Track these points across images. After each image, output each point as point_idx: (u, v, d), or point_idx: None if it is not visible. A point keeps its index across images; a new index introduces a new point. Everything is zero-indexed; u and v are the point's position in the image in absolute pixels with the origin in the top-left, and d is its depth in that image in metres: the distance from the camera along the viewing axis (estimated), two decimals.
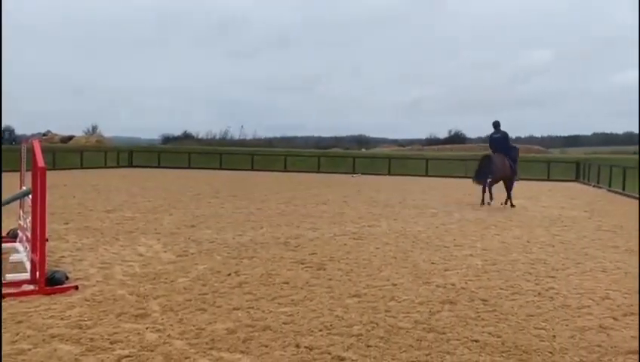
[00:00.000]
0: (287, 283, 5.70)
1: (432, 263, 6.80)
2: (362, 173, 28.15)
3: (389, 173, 28.29)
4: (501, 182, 14.10)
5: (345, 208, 12.67)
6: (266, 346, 3.91)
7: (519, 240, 8.65)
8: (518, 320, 4.63)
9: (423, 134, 74.88)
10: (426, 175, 27.75)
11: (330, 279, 5.90)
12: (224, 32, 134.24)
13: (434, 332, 4.28)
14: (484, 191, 14.02)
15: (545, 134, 77.30)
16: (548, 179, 25.37)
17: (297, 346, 3.92)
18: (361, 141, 69.74)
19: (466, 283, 5.86)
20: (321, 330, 4.26)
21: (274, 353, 3.79)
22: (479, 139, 62.61)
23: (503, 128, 14.50)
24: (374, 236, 8.77)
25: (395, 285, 5.70)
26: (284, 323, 4.40)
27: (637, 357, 3.88)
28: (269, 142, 62.74)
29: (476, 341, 4.12)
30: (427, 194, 16.89)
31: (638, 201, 11.91)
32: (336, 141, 69.77)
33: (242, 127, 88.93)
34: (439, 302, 5.14)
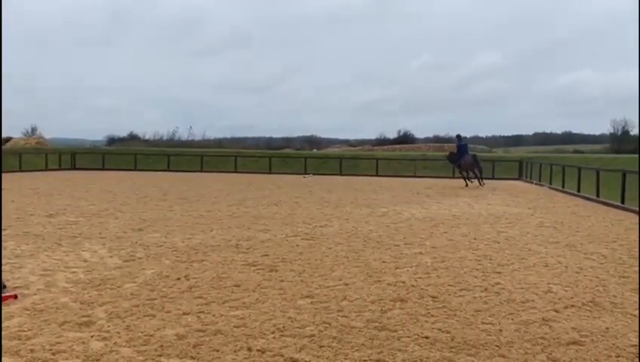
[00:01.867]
0: (238, 286, 5.63)
1: (383, 262, 6.89)
2: (314, 174, 28.23)
3: (341, 173, 28.51)
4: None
5: (297, 209, 12.66)
6: (217, 351, 3.84)
7: (466, 238, 8.89)
8: (466, 316, 4.75)
9: (373, 134, 75.90)
10: (377, 175, 28.15)
11: (282, 281, 5.87)
12: (177, 32, 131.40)
13: (386, 331, 4.32)
14: (464, 177, 21.74)
15: (489, 134, 79.81)
16: (493, 178, 26.25)
17: (249, 349, 3.87)
18: (312, 141, 69.85)
19: (416, 280, 5.96)
20: (273, 332, 4.23)
21: (225, 357, 3.73)
22: (427, 139, 64.11)
23: (462, 135, 22.94)
24: (326, 236, 8.80)
25: (347, 284, 5.73)
26: (235, 327, 4.33)
27: (577, 347, 4.05)
28: (219, 142, 61.81)
29: (427, 337, 4.19)
30: (378, 194, 17.11)
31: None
32: (287, 142, 69.59)
33: (191, 127, 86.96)
34: (390, 299, 5.20)
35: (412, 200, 15.10)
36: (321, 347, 3.95)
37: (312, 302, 5.07)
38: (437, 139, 61.47)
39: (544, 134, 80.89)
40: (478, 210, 12.99)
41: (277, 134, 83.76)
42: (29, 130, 48.58)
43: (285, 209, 12.59)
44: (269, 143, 67.91)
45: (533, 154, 42.46)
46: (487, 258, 7.27)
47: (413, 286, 5.73)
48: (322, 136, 77.10)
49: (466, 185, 21.04)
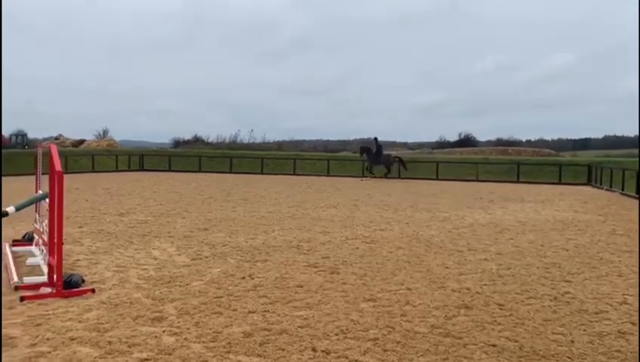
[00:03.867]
0: (301, 286, 5.71)
1: (446, 267, 6.78)
2: (372, 177, 28.09)
3: (400, 177, 28.22)
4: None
5: (356, 212, 12.66)
6: (283, 350, 3.91)
7: (533, 245, 8.59)
8: (535, 325, 4.60)
9: (432, 137, 74.60)
10: (437, 178, 27.65)
11: (344, 283, 5.90)
12: (246, 36, 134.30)
13: (451, 337, 4.26)
14: (370, 170, 26.65)
15: (555, 137, 76.45)
16: (560, 183, 25.18)
17: (314, 350, 3.92)
18: (370, 144, 69.66)
19: (481, 287, 5.83)
20: (337, 334, 4.26)
21: (291, 357, 3.80)
22: (489, 143, 62.31)
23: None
24: (387, 240, 8.76)
25: (410, 289, 5.68)
26: (300, 327, 4.40)
27: None
28: (279, 145, 62.77)
29: (494, 345, 4.09)
30: (438, 198, 16.83)
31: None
32: (344, 144, 69.66)
33: (252, 130, 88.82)
34: (455, 306, 5.12)
35: (474, 205, 14.75)
36: (385, 351, 3.94)
37: (374, 306, 5.07)
38: (500, 142, 59.65)
39: (615, 137, 76.70)
40: (545, 216, 12.52)
41: (334, 137, 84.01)
42: (101, 133, 51.17)
43: (344, 211, 12.63)
44: (326, 146, 68.22)
45: (603, 158, 40.36)
46: (556, 266, 7.00)
47: (478, 293, 5.61)
48: (379, 138, 76.68)
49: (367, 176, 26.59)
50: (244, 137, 64.74)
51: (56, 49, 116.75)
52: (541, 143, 67.03)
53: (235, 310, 4.83)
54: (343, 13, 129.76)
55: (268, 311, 4.83)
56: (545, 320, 4.75)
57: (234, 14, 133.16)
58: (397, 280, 6.06)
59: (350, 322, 4.56)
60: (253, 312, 4.78)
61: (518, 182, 25.73)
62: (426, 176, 28.20)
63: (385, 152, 27.69)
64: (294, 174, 29.92)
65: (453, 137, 64.57)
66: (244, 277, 6.05)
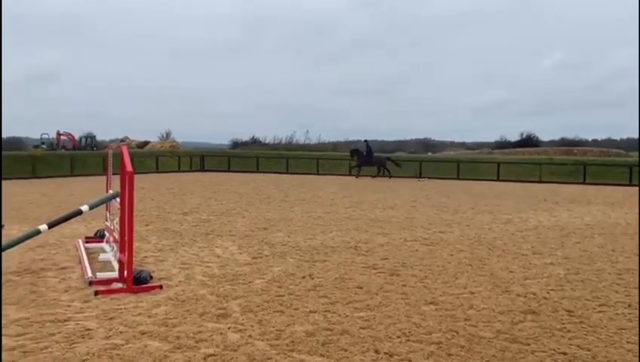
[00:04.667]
0: (360, 287, 5.70)
1: (511, 271, 6.57)
2: (429, 178, 27.67)
3: (458, 178, 27.65)
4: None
5: (414, 213, 12.51)
6: (345, 350, 3.92)
7: (603, 249, 8.19)
8: (608, 334, 4.39)
9: (492, 137, 72.53)
10: (497, 179, 26.88)
11: (404, 285, 5.84)
12: (305, 37, 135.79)
13: (517, 343, 4.13)
14: (358, 171, 27.86)
15: (624, 136, 72.39)
16: (630, 184, 23.87)
17: (377, 352, 3.90)
18: (426, 144, 68.50)
19: (548, 292, 5.62)
20: (399, 337, 4.23)
21: (353, 358, 3.80)
22: (553, 142, 59.94)
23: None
24: (447, 242, 8.60)
25: (473, 293, 5.55)
26: (361, 328, 4.39)
27: None
28: (334, 146, 62.92)
29: (564, 353, 3.93)
30: (500, 200, 16.35)
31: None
32: (400, 145, 68.94)
33: (307, 131, 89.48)
34: (521, 311, 4.95)
35: (538, 207, 14.23)
36: (449, 355, 3.87)
37: (436, 309, 4.99)
38: (564, 142, 57.25)
39: None
40: (614, 220, 11.90)
41: (389, 137, 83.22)
42: (164, 135, 53.05)
43: (402, 213, 12.50)
44: (382, 146, 67.78)
45: None
46: (629, 272, 6.64)
47: (545, 298, 5.40)
48: (436, 138, 75.32)
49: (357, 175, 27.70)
50: (300, 138, 65.36)
51: (121, 54, 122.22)
52: (609, 143, 63.80)
53: (296, 309, 4.88)
54: (403, 12, 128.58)
55: (329, 311, 4.85)
56: (619, 328, 4.52)
57: (294, 16, 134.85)
58: (459, 284, 5.94)
59: (412, 325, 4.51)
60: (315, 312, 4.81)
61: (584, 183, 24.60)
62: (487, 177, 27.46)
63: (375, 154, 28.87)
64: (350, 175, 29.90)
65: (514, 137, 62.58)
66: (304, 277, 6.11)
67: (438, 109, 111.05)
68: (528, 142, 59.61)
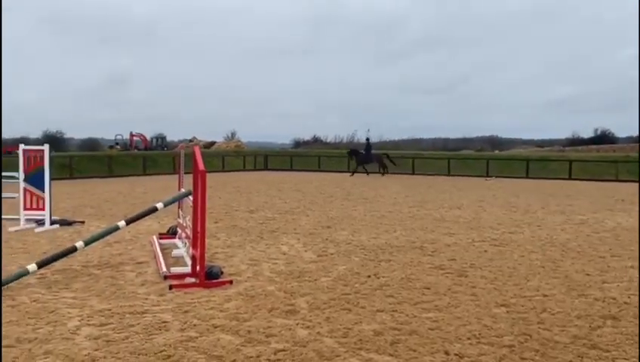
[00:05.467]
0: (428, 288, 5.62)
1: (587, 274, 6.27)
2: (497, 176, 26.83)
3: (527, 176, 26.64)
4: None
5: (481, 213, 12.18)
6: (414, 351, 3.89)
7: None
8: None
9: (563, 134, 69.12)
10: (570, 178, 25.67)
11: (473, 286, 5.71)
12: (369, 36, 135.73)
13: (597, 349, 3.94)
14: (359, 167, 27.68)
15: None
16: None
17: (446, 353, 3.84)
18: (494, 142, 66.45)
19: (629, 297, 5.31)
20: (469, 339, 4.14)
21: (423, 358, 3.76)
22: (630, 139, 56.45)
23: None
24: (517, 243, 8.31)
25: (547, 296, 5.34)
26: (430, 329, 4.34)
27: None
28: (396, 144, 62.30)
29: None
30: (573, 199, 15.61)
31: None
32: (465, 142, 67.27)
33: (369, 130, 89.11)
34: (599, 316, 4.72)
35: (615, 208, 13.46)
36: (523, 359, 3.75)
37: (507, 312, 4.84)
38: None
39: None
40: None
41: (454, 135, 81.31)
42: (230, 135, 54.51)
43: (469, 212, 12.20)
44: (446, 144, 66.43)
45: None
46: None
47: (626, 303, 5.12)
48: (504, 136, 72.88)
49: (354, 173, 27.33)
50: (362, 137, 65.20)
51: (191, 57, 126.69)
52: None
53: (363, 308, 4.89)
54: (469, 7, 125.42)
55: (396, 310, 4.82)
56: None
57: (356, 15, 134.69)
58: (531, 286, 5.73)
59: (483, 327, 4.40)
60: (382, 311, 4.80)
61: None
62: (558, 175, 26.30)
63: (373, 151, 28.90)
64: (413, 173, 29.52)
65: (587, 134, 59.56)
66: (369, 276, 6.10)
67: (506, 106, 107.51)
68: (603, 138, 56.55)
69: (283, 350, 3.85)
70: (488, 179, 26.00)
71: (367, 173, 27.62)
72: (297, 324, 4.42)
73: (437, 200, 14.90)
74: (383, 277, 6.08)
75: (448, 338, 4.13)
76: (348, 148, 32.69)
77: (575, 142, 57.36)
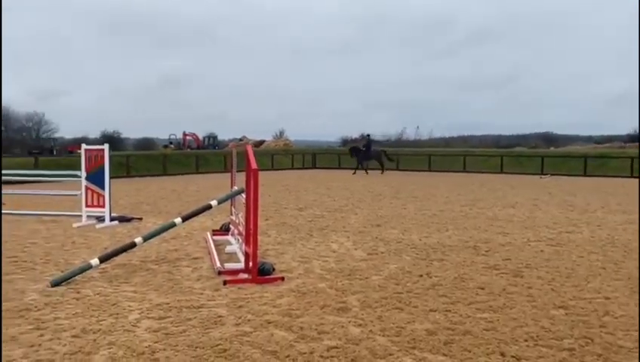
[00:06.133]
0: (482, 288, 5.51)
1: None
2: (552, 174, 25.94)
3: (585, 174, 25.63)
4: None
5: (536, 212, 11.81)
6: (469, 351, 3.82)
7: None
8: None
9: (624, 130, 65.90)
10: (632, 176, 24.49)
11: (529, 287, 5.55)
12: (419, 32, 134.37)
13: None
14: (361, 166, 27.31)
15: None
16: None
17: (502, 354, 3.76)
18: (549, 139, 64.17)
19: None
20: (526, 340, 4.03)
21: (478, 359, 3.69)
22: None
23: None
24: (575, 243, 8.01)
25: (608, 298, 5.13)
26: (484, 330, 4.25)
27: None
28: (446, 142, 61.26)
29: None
30: (635, 198, 14.88)
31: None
32: (518, 139, 65.30)
33: (418, 127, 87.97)
34: None
35: None
36: None
37: (566, 314, 4.68)
38: None
39: None
40: None
41: (506, 131, 79.07)
42: (278, 134, 55.16)
43: (523, 211, 11.86)
44: (498, 141, 64.72)
45: None
46: None
47: None
48: (560, 132, 70.29)
49: (355, 172, 26.74)
50: (410, 134, 64.53)
51: (242, 57, 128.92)
52: None
53: (415, 307, 4.85)
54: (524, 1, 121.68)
55: (449, 310, 4.75)
56: None
57: (406, 12, 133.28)
58: (591, 288, 5.52)
59: (540, 329, 4.28)
60: (434, 311, 4.74)
61: None
62: (618, 173, 25.17)
63: (373, 148, 28.68)
64: (464, 171, 28.97)
65: None
66: (421, 275, 6.04)
67: (562, 101, 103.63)
68: None
69: (336, 347, 3.87)
70: (543, 176, 25.18)
71: (367, 171, 27.20)
72: (349, 322, 4.43)
73: (490, 199, 14.56)
74: (436, 276, 6.00)
75: (504, 340, 4.03)
76: (359, 145, 32.00)
77: (637, 138, 54.51)
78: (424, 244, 7.92)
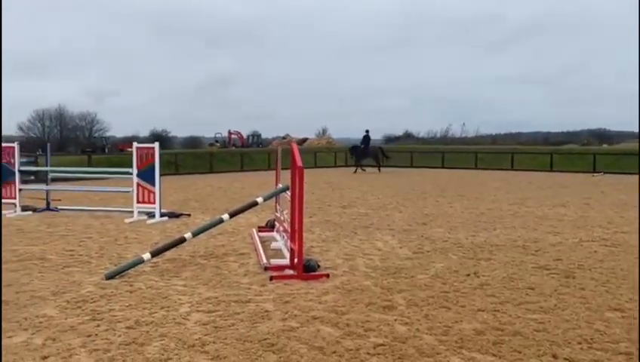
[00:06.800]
0: (532, 288, 5.37)
1: None
2: (605, 172, 24.95)
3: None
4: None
5: (589, 211, 11.40)
6: (519, 352, 3.74)
7: None
8: None
9: None
10: None
11: (582, 288, 5.37)
12: (465, 28, 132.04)
13: None
14: (359, 165, 26.60)
15: None
16: None
17: (554, 356, 3.66)
18: (602, 136, 61.76)
19: None
20: (579, 343, 3.91)
21: (529, 360, 3.61)
22: None
23: None
24: (631, 244, 7.69)
25: None
26: (535, 331, 4.15)
27: None
28: (493, 139, 59.86)
29: None
30: None
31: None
32: (569, 136, 63.14)
33: (464, 124, 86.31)
34: None
35: None
36: None
37: (623, 316, 4.51)
38: None
39: None
40: None
41: (556, 128, 76.55)
42: (321, 131, 55.33)
43: (574, 210, 11.47)
44: (547, 138, 62.78)
45: None
46: None
47: None
48: (614, 129, 67.52)
49: (356, 171, 26.13)
50: (456, 132, 63.40)
51: (286, 56, 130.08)
52: None
53: (463, 306, 4.78)
54: None
55: (498, 310, 4.66)
56: None
57: (454, 7, 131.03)
58: None
59: (594, 331, 4.14)
60: (483, 311, 4.66)
61: None
62: None
63: (371, 145, 27.66)
64: (512, 169, 28.25)
65: None
66: (468, 275, 5.94)
67: (615, 97, 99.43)
68: None
69: (382, 344, 3.87)
70: (595, 175, 24.27)
71: (364, 169, 26.63)
72: (395, 320, 4.41)
73: (539, 197, 14.15)
74: (483, 276, 5.89)
75: (556, 342, 3.92)
76: (351, 146, 31.03)
77: None
78: (471, 243, 7.79)
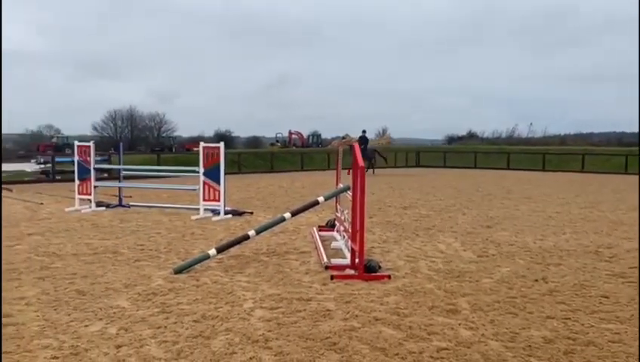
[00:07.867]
0: (606, 296, 5.10)
1: None
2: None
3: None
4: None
5: None
6: None
7: None
8: None
9: None
10: None
11: None
12: (535, 25, 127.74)
13: None
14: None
15: None
16: None
17: None
18: None
19: None
20: None
21: None
22: None
23: None
24: None
25: None
26: (610, 342, 3.94)
27: None
28: (562, 139, 57.30)
29: None
30: None
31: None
32: None
33: (531, 124, 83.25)
34: None
35: None
36: None
37: None
38: None
39: None
40: None
41: (631, 128, 72.20)
42: (381, 131, 54.96)
43: None
44: (621, 139, 59.32)
45: None
46: None
47: None
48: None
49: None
50: (523, 131, 61.20)
51: (348, 56, 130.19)
52: None
53: (531, 313, 4.60)
54: None
55: (569, 318, 4.46)
56: None
57: (520, 4, 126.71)
58: None
59: None
60: (552, 318, 4.47)
61: None
62: None
63: (368, 146, 25.81)
64: (583, 171, 26.96)
65: None
66: (536, 280, 5.72)
67: None
68: None
69: (446, 349, 3.79)
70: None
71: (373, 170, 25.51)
72: (459, 324, 4.31)
73: (612, 201, 13.42)
74: (552, 282, 5.66)
75: (633, 354, 3.70)
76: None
77: None
78: (539, 248, 7.49)
